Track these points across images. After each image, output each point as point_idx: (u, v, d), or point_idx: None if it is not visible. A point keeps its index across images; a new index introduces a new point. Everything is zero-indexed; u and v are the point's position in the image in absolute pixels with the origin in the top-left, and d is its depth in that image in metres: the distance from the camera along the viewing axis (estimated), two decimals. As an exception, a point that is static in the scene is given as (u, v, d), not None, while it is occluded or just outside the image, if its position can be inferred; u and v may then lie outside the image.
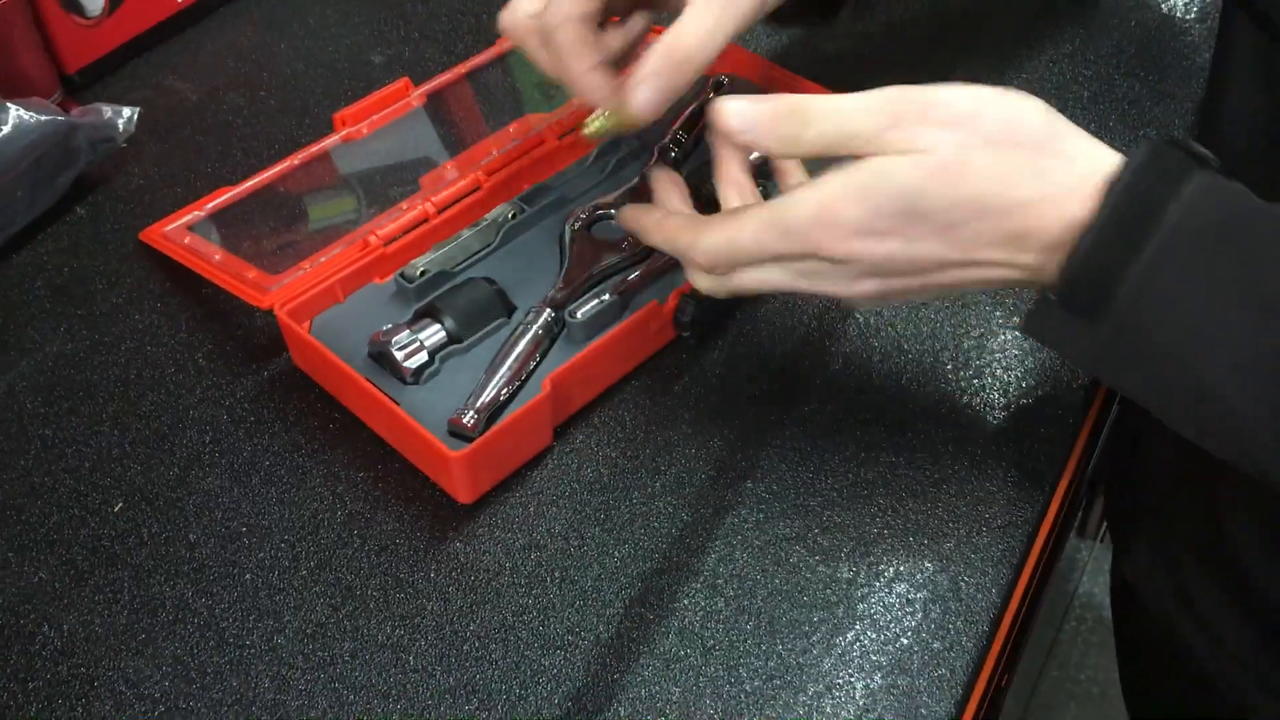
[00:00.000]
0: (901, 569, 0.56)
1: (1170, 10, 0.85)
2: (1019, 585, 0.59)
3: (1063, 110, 0.76)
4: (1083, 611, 1.75)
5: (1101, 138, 0.74)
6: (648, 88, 0.53)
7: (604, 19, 0.57)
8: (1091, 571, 1.76)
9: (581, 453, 0.61)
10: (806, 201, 0.47)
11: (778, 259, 0.49)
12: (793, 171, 0.56)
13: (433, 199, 0.68)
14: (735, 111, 0.48)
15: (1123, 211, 0.44)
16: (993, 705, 0.68)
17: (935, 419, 0.61)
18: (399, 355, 0.60)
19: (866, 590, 0.55)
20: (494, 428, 0.57)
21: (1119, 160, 0.46)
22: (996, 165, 0.45)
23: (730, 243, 0.50)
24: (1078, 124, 0.76)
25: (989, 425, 0.61)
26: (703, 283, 0.52)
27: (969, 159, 0.45)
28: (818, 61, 0.72)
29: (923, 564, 0.56)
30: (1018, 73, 0.81)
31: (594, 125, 0.56)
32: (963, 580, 0.55)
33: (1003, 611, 0.55)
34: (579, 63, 0.55)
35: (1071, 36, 0.83)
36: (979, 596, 0.55)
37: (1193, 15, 0.84)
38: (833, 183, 0.47)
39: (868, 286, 0.49)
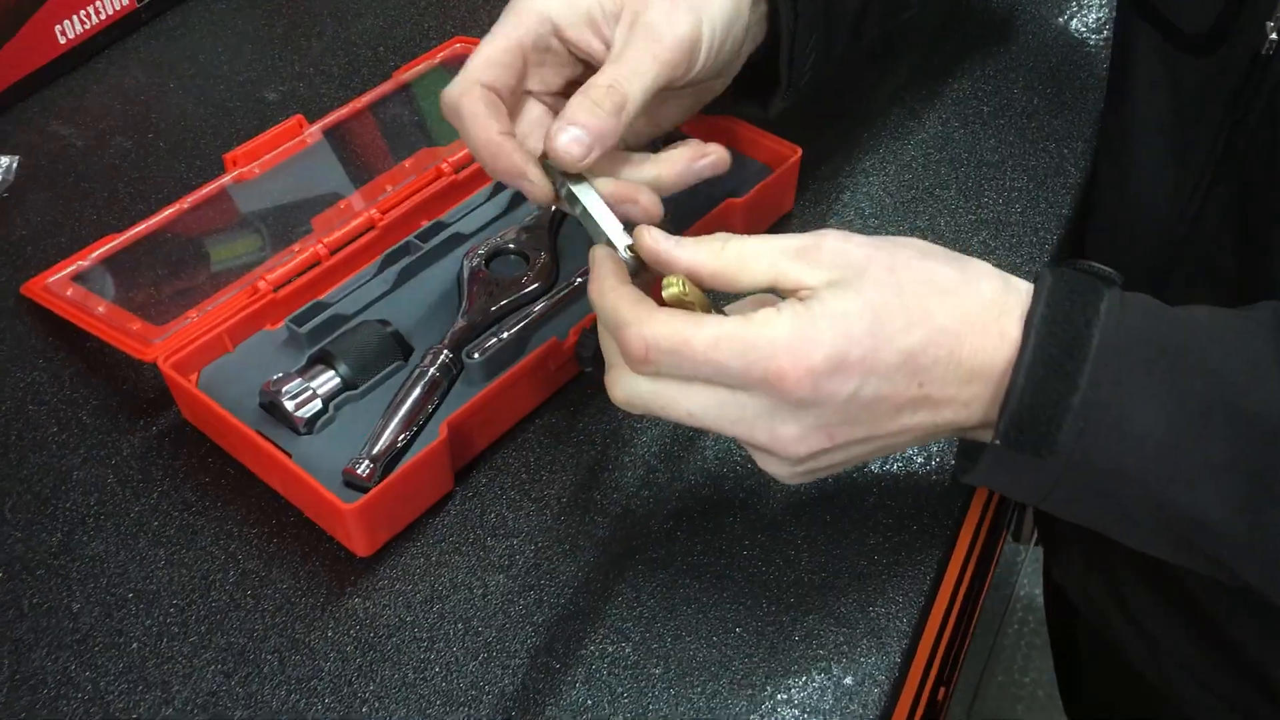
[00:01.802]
0: (814, 600, 0.55)
1: (1066, 23, 0.85)
2: (934, 609, 0.58)
3: (963, 126, 0.78)
4: (1024, 614, 1.75)
5: (1002, 151, 0.76)
6: (580, 130, 0.50)
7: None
8: (1031, 574, 1.77)
9: (484, 497, 0.59)
10: (779, 324, 0.43)
11: (720, 383, 0.44)
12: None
13: (325, 240, 0.66)
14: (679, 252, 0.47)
15: (1048, 343, 0.43)
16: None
17: (843, 445, 0.61)
18: (290, 405, 0.58)
19: (777, 626, 0.54)
20: (390, 477, 0.55)
21: (1026, 290, 0.45)
22: (934, 279, 0.45)
23: (679, 340, 0.43)
24: (979, 139, 0.78)
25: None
26: (622, 388, 0.46)
27: (907, 270, 0.45)
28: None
29: (834, 594, 0.55)
30: (918, 89, 0.81)
31: (672, 289, 0.46)
32: (873, 609, 0.54)
33: (916, 640, 0.54)
34: (482, 130, 0.52)
35: (969, 51, 0.83)
36: (890, 626, 0.54)
37: (1088, 26, 0.85)
38: (799, 311, 0.43)
39: (812, 443, 0.45)
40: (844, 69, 0.82)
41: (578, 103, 0.51)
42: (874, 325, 0.43)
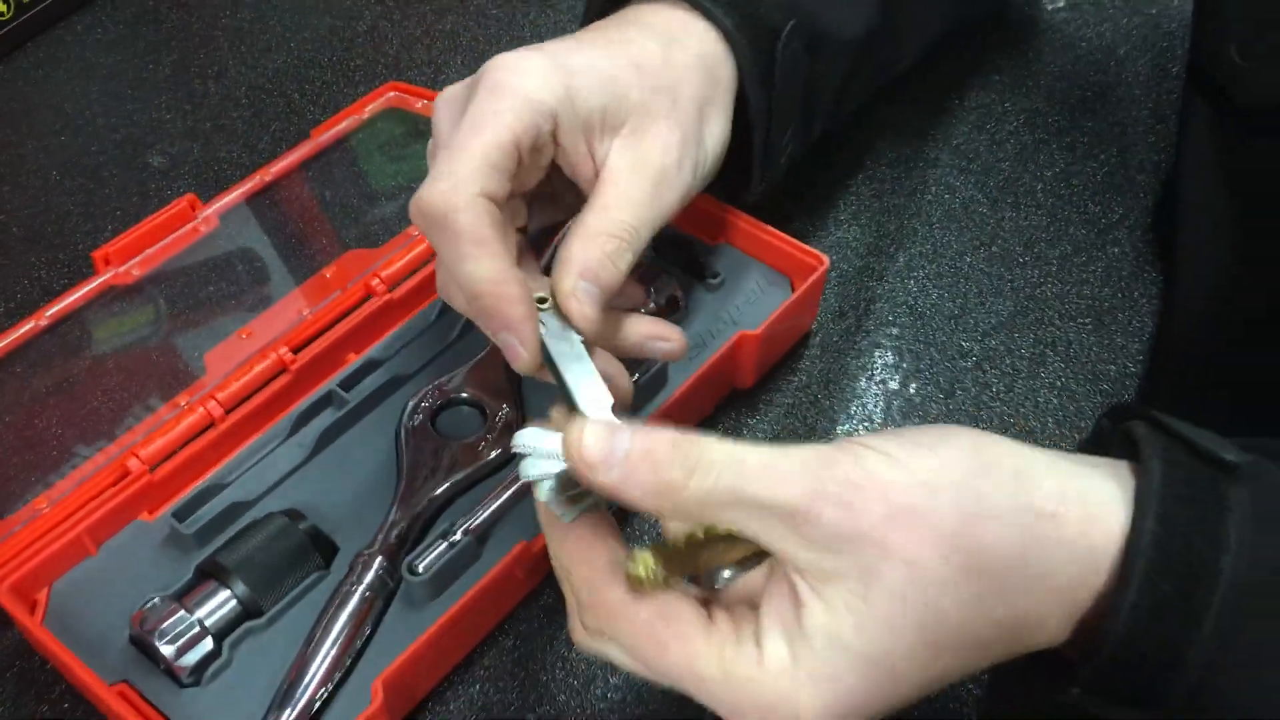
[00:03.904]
0: None
1: (1123, 73, 0.71)
2: None
3: (1016, 208, 0.64)
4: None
5: (1064, 245, 0.62)
6: (596, 289, 0.41)
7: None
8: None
9: (433, 761, 0.45)
10: (760, 673, 0.32)
11: None
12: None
13: (218, 395, 0.51)
14: (596, 442, 0.33)
15: (1160, 577, 0.31)
16: None
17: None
18: (169, 651, 0.43)
19: None
20: (306, 762, 0.41)
21: (1122, 504, 0.33)
22: (980, 571, 0.32)
23: (646, 654, 0.34)
24: (1034, 225, 0.64)
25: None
26: (580, 640, 0.37)
27: (941, 567, 0.32)
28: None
29: None
30: (958, 158, 0.66)
31: (639, 570, 0.35)
32: None
33: None
34: (489, 263, 0.39)
35: (1016, 112, 0.69)
36: None
37: (1147, 77, 0.71)
38: (779, 659, 0.32)
39: None
40: (865, 136, 0.67)
41: (593, 253, 0.41)
42: (878, 677, 0.32)
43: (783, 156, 0.54)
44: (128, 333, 0.56)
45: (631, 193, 0.43)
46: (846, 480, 0.32)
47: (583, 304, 0.41)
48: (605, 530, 0.36)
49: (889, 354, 0.57)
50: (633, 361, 0.46)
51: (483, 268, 0.39)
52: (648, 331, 0.46)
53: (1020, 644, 0.33)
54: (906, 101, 0.68)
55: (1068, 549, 0.32)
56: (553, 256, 0.44)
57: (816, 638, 0.32)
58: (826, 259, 0.55)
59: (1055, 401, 0.56)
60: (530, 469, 0.36)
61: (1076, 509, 0.32)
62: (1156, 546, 0.31)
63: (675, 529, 0.37)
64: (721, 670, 0.33)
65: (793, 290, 0.56)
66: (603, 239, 0.42)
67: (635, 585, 0.34)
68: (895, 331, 0.58)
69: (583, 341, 0.40)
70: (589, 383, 0.38)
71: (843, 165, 0.65)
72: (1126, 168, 0.66)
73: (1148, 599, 0.31)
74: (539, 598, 0.49)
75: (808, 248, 0.56)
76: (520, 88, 0.42)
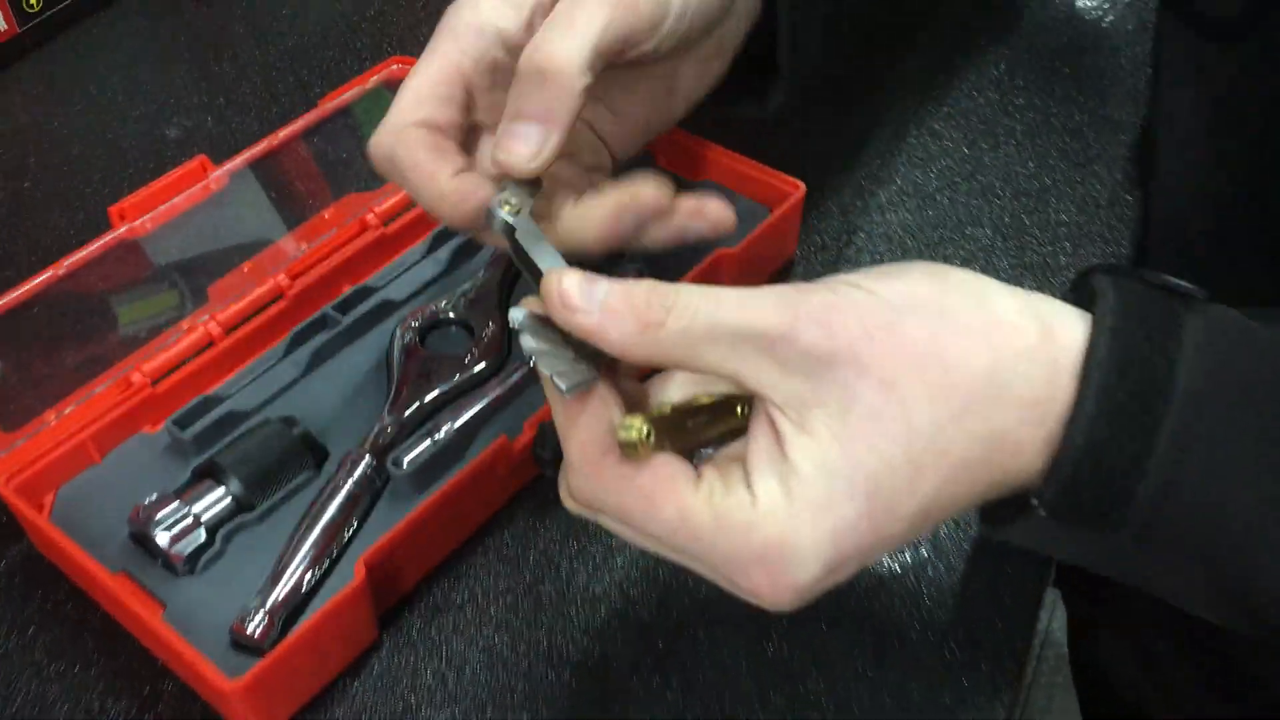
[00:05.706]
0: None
1: (1104, 22, 0.73)
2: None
3: (994, 149, 0.66)
4: (1043, 650, 1.64)
5: (1043, 178, 0.64)
6: (527, 128, 0.39)
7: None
8: (1048, 607, 1.66)
9: (418, 648, 0.46)
10: (756, 519, 0.32)
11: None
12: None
13: (219, 316, 0.53)
14: (574, 285, 0.33)
15: (1117, 389, 0.32)
16: None
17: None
18: (164, 539, 0.45)
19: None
20: (290, 636, 0.42)
21: (1082, 324, 0.33)
22: (950, 376, 0.32)
23: (632, 513, 0.34)
24: (1014, 163, 0.65)
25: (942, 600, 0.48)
26: (571, 501, 0.36)
27: (912, 374, 0.32)
28: (721, 123, 0.57)
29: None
30: (938, 104, 0.68)
31: (629, 434, 0.34)
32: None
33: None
34: (428, 179, 0.41)
35: (995, 57, 0.71)
36: (947, 817, 0.41)
37: (1131, 27, 0.72)
38: (775, 500, 0.32)
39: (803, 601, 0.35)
40: (849, 81, 0.69)
41: (514, 87, 0.40)
42: (871, 503, 0.32)
43: (813, 49, 0.51)
44: (140, 272, 0.59)
45: (557, 11, 0.40)
46: (822, 304, 0.33)
47: (509, 146, 0.39)
48: (603, 400, 0.35)
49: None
50: None
51: (426, 185, 0.41)
52: (686, 209, 0.42)
53: (999, 468, 0.33)
54: (883, 51, 0.70)
55: (1029, 359, 0.33)
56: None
57: (805, 467, 0.32)
58: (802, 185, 0.57)
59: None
60: (529, 341, 0.35)
61: (1034, 321, 0.33)
62: (1112, 358, 0.32)
63: (663, 401, 0.37)
64: (713, 518, 0.32)
65: (772, 217, 0.58)
66: (520, 63, 0.39)
67: (629, 451, 0.34)
68: (875, 256, 0.60)
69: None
70: (542, 253, 0.39)
71: (822, 112, 0.67)
72: (1105, 107, 0.67)
73: (1105, 407, 0.32)
74: (523, 503, 0.50)
75: (785, 175, 0.57)
76: (468, 20, 0.43)
